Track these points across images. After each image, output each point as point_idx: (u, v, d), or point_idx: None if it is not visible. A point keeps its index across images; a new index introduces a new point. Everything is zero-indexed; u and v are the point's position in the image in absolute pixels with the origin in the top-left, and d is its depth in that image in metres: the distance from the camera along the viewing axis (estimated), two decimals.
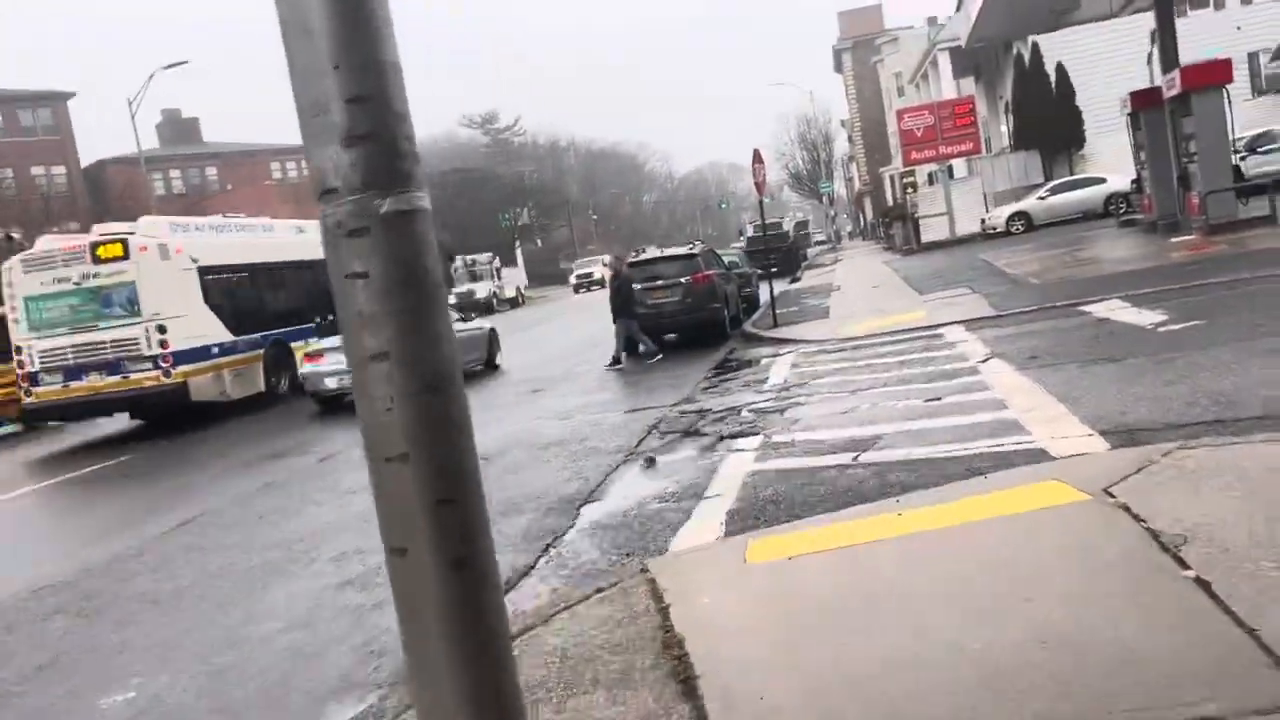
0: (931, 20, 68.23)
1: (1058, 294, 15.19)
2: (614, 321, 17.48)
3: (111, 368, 16.70)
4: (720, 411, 11.19)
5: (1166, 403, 7.30)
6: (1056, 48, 38.21)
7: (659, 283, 18.45)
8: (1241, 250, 16.01)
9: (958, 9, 26.13)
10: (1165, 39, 22.61)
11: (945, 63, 44.12)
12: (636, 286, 18.49)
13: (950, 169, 41.49)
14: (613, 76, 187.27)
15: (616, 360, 17.19)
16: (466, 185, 76.41)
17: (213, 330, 17.82)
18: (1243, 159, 25.88)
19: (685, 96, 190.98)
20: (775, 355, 15.44)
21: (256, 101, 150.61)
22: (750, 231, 53.57)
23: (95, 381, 16.77)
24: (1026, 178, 37.98)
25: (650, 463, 9.04)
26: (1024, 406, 8.23)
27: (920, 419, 8.63)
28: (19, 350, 17.12)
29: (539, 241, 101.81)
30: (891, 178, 60.68)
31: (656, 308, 18.40)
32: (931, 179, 46.20)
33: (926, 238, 38.17)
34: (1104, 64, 37.43)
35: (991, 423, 7.89)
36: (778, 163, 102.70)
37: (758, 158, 18.38)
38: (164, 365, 16.65)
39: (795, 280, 38.14)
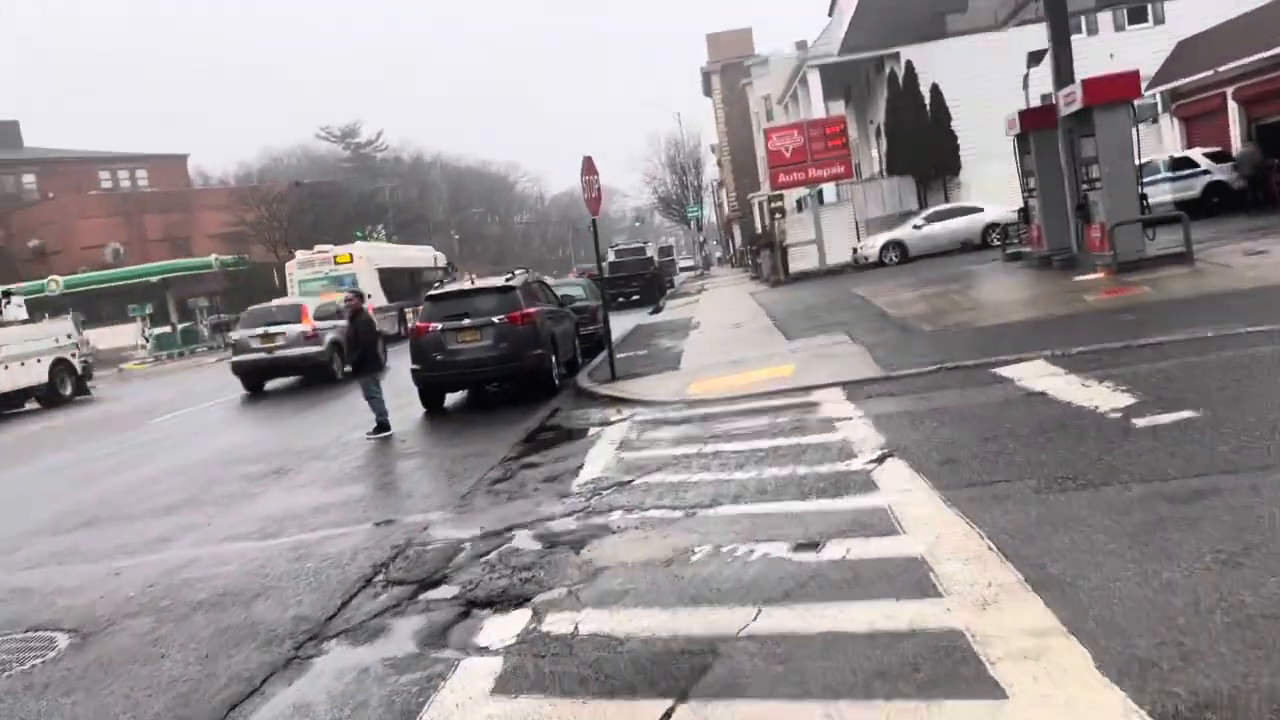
0: (800, 44, 66.50)
1: (960, 348, 11.94)
2: (355, 376, 13.41)
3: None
4: (492, 536, 7.35)
5: (1265, 633, 3.77)
6: (931, 68, 36.03)
7: (466, 323, 14.48)
8: (1170, 296, 13.13)
9: (830, 12, 23.16)
10: (1059, 51, 20.07)
11: (815, 82, 41.66)
12: (437, 327, 14.53)
13: (820, 194, 38.84)
14: (484, 93, 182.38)
15: (382, 427, 13.14)
16: (312, 199, 70.59)
17: (381, 298, 33.62)
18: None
19: (560, 116, 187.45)
20: (604, 424, 11.71)
21: (91, 105, 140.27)
22: (613, 256, 50.13)
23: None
24: (900, 205, 35.59)
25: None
26: (968, 593, 4.64)
27: (788, 601, 4.98)
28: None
29: None
30: (760, 204, 58.32)
31: (463, 355, 14.44)
32: (801, 205, 43.64)
33: (795, 267, 35.32)
34: (980, 86, 35.40)
35: (920, 636, 4.27)
36: (648, 186, 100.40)
37: (589, 168, 14.66)
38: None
39: (657, 311, 34.75)
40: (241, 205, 66.99)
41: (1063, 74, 19.62)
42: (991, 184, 35.03)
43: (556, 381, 15.37)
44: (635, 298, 43.36)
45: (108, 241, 71.24)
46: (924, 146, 34.86)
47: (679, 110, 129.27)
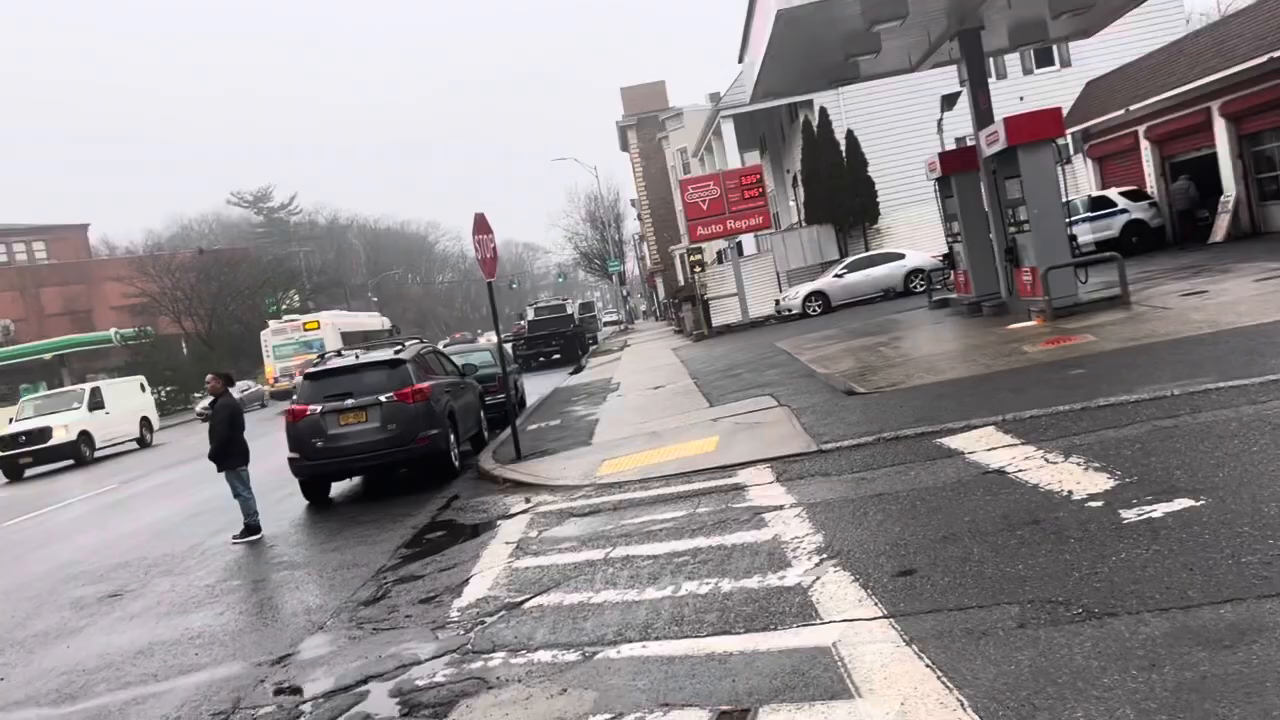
0: (714, 96, 66.60)
1: (897, 413, 10.74)
2: (219, 470, 11.69)
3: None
4: (341, 693, 5.82)
5: None
6: (845, 114, 35.70)
7: (349, 403, 12.90)
8: (1117, 345, 12.14)
9: (740, 59, 22.34)
10: (977, 91, 19.41)
11: (729, 133, 41.12)
12: (316, 409, 12.91)
13: (740, 245, 38.11)
14: (402, 155, 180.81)
15: (250, 530, 11.48)
16: (218, 266, 67.88)
17: None
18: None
19: (480, 176, 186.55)
20: (504, 517, 10.24)
21: None
22: (531, 314, 48.73)
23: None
24: (821, 254, 34.92)
25: None
26: None
27: None
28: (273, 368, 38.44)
29: None
30: (681, 256, 57.61)
31: (347, 440, 12.82)
32: (721, 257, 42.87)
33: (718, 320, 34.34)
34: (896, 131, 35.14)
35: None
36: (569, 243, 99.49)
37: (481, 226, 13.25)
38: None
39: (578, 370, 33.39)
40: (142, 276, 64.02)
41: (982, 114, 18.95)
42: (911, 229, 34.66)
43: (457, 464, 13.85)
44: (556, 357, 41.98)
45: (8, 319, 67.54)
46: (842, 194, 34.31)
47: (595, 164, 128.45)
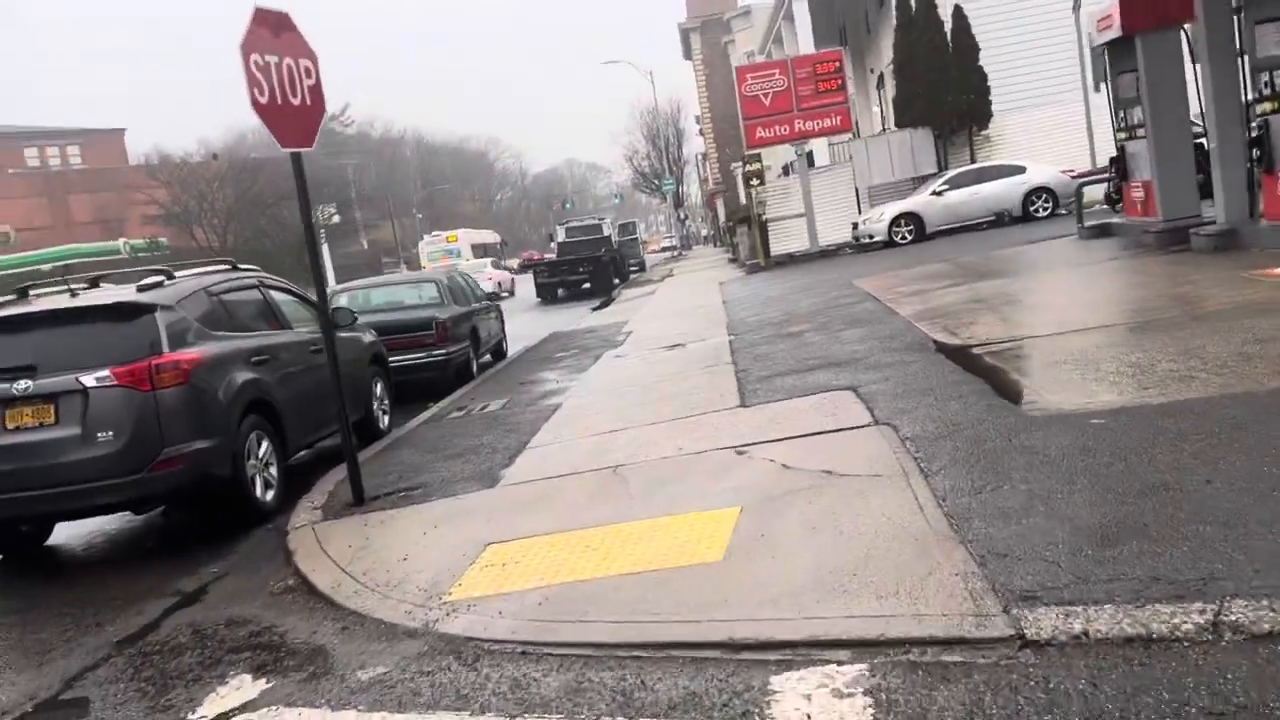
0: None
1: (1221, 500, 4.07)
2: None
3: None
4: None
5: None
6: None
7: (20, 388, 6.59)
8: None
9: None
10: None
11: (803, 16, 33.62)
12: None
13: (810, 155, 30.93)
14: (469, 73, 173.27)
15: None
16: (232, 174, 61.90)
17: (470, 257, 46.63)
18: None
19: (545, 94, 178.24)
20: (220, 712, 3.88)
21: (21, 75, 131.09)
22: (562, 235, 42.10)
23: None
24: (914, 166, 27.57)
25: None
26: None
27: None
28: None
29: (365, 243, 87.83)
30: (742, 172, 50.29)
31: (12, 459, 6.55)
32: (787, 170, 35.67)
33: (780, 247, 27.50)
34: (1018, 11, 27.44)
35: None
36: (629, 163, 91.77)
37: (276, 37, 5.90)
38: None
39: (605, 305, 27.03)
40: (154, 182, 58.56)
41: None
42: (1030, 138, 27.21)
43: (270, 496, 7.52)
44: (586, 286, 35.42)
45: (8, 225, 62.90)
46: (944, 89, 26.83)
47: (651, 70, 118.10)
